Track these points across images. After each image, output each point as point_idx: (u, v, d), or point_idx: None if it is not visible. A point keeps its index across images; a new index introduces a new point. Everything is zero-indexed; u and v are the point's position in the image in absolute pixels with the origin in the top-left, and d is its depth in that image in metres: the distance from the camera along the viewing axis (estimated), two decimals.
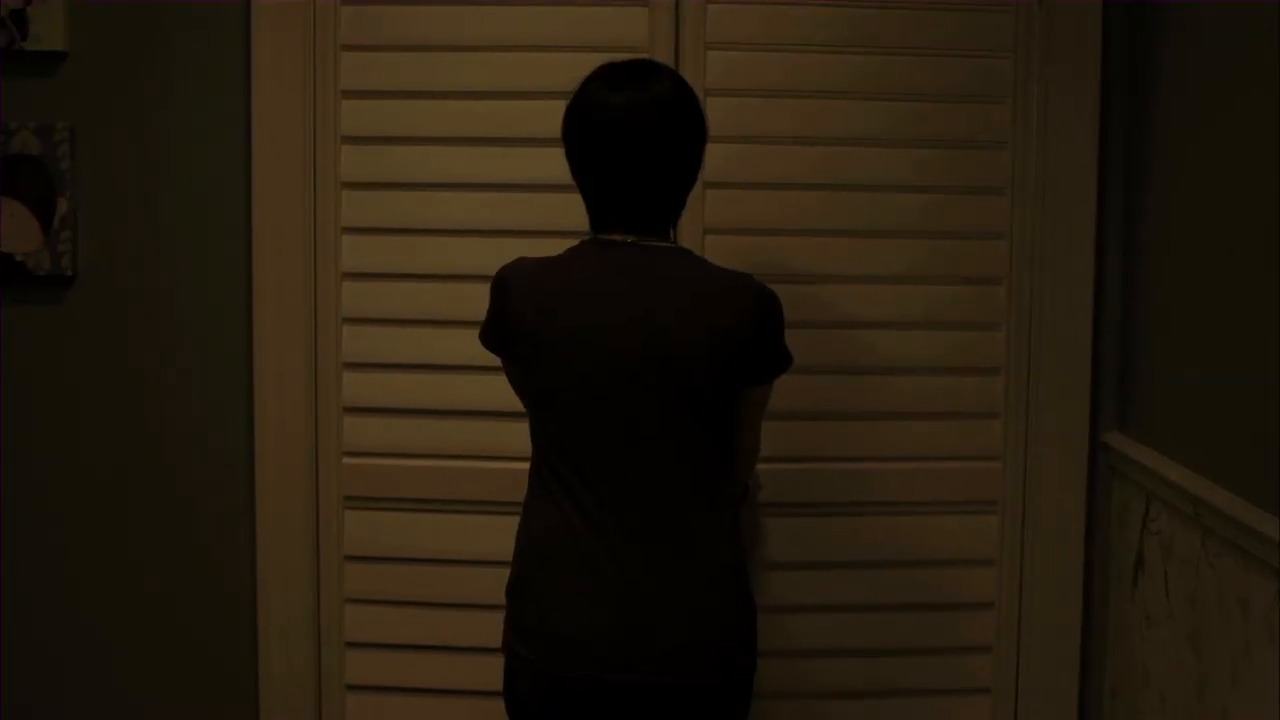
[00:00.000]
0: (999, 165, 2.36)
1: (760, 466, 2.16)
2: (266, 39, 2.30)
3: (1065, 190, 2.34)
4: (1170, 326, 2.21)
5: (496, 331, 1.86)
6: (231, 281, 2.35)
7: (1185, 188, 2.15)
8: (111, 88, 2.34)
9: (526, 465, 1.92)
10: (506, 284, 1.84)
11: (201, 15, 2.32)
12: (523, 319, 1.81)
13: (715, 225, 2.32)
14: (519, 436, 1.94)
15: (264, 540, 2.38)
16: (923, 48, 2.32)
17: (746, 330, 1.80)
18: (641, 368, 1.77)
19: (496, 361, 1.94)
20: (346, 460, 2.38)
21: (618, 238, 1.82)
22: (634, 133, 1.77)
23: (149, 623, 2.42)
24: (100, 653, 2.43)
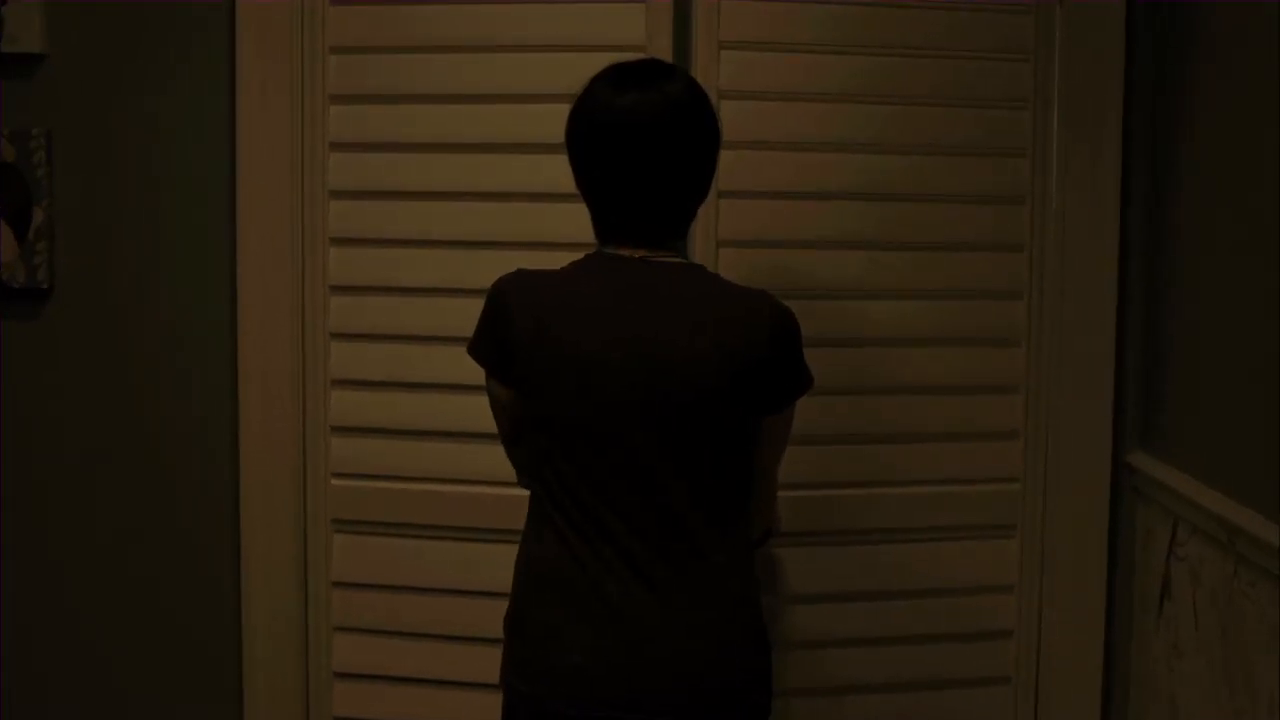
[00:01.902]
0: (1018, 173, 2.28)
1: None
2: (251, 41, 2.23)
3: (1087, 199, 2.26)
4: (1198, 340, 2.13)
5: (491, 349, 1.76)
6: (215, 294, 2.29)
7: (1215, 192, 2.08)
8: (91, 92, 2.28)
9: (522, 491, 1.84)
10: (506, 298, 1.74)
11: (185, 16, 2.26)
12: (523, 338, 1.70)
13: (729, 237, 2.21)
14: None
15: (249, 564, 2.32)
16: (941, 49, 2.23)
17: (762, 350, 1.70)
18: (651, 393, 1.67)
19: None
20: (334, 482, 2.31)
21: (625, 252, 1.72)
22: (644, 136, 1.67)
23: (129, 650, 2.36)
24: (85, 673, 2.37)
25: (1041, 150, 2.26)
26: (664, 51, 2.15)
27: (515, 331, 1.71)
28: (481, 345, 1.78)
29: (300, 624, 2.32)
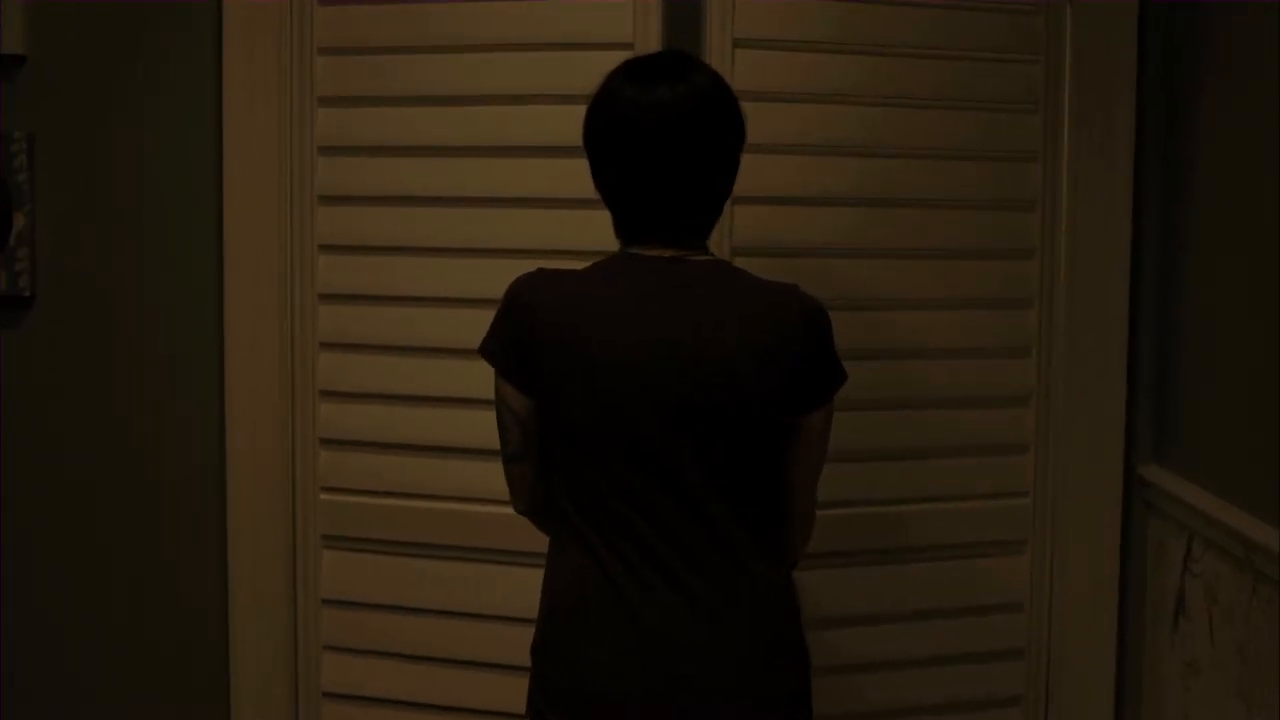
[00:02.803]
0: (1028, 178, 2.22)
1: None
2: (239, 42, 2.18)
3: (1098, 204, 2.21)
4: (1213, 349, 2.09)
5: (510, 352, 1.66)
6: (202, 301, 2.25)
7: (1231, 197, 2.03)
8: (74, 94, 2.24)
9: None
10: (529, 298, 1.64)
11: (170, 17, 2.22)
12: (548, 342, 1.62)
13: (745, 245, 2.13)
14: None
15: (236, 580, 2.26)
16: (948, 49, 2.17)
17: (795, 345, 1.63)
18: (686, 397, 1.60)
19: (490, 395, 1.73)
20: (324, 497, 2.26)
21: (654, 252, 1.65)
22: (678, 131, 1.60)
23: (113, 669, 2.32)
24: (68, 693, 2.32)
25: (1052, 154, 2.21)
26: (653, 47, 2.05)
27: (539, 334, 1.62)
28: (497, 347, 1.68)
29: (289, 643, 2.26)
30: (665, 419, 1.59)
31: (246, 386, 2.22)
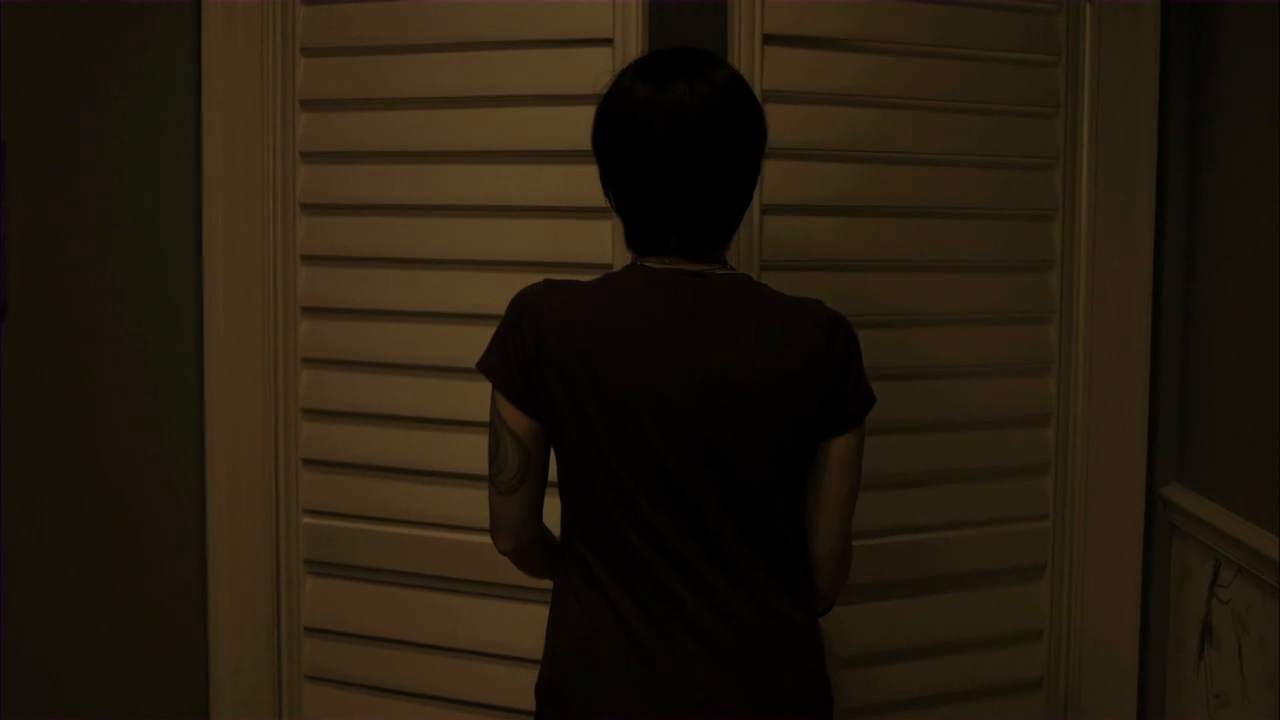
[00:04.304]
0: (1047, 186, 2.13)
1: None
2: (219, 43, 2.10)
3: (1119, 213, 2.12)
4: (1240, 363, 2.00)
5: (514, 370, 1.54)
6: (180, 316, 2.17)
7: (1258, 205, 1.95)
8: (45, 99, 2.15)
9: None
10: (536, 313, 1.52)
11: (147, 16, 2.14)
12: (558, 360, 1.50)
13: (774, 258, 2.00)
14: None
15: (216, 606, 2.18)
16: (969, 50, 2.07)
17: (821, 363, 1.52)
18: (704, 425, 1.49)
19: (484, 417, 1.61)
20: (306, 520, 2.17)
21: (669, 265, 1.54)
22: (699, 133, 1.49)
23: (89, 700, 2.23)
24: None
25: (1071, 160, 2.12)
26: (634, 43, 1.94)
27: (547, 352, 1.51)
28: (500, 364, 1.55)
29: (271, 671, 2.18)
30: (682, 446, 1.49)
31: (226, 402, 2.14)
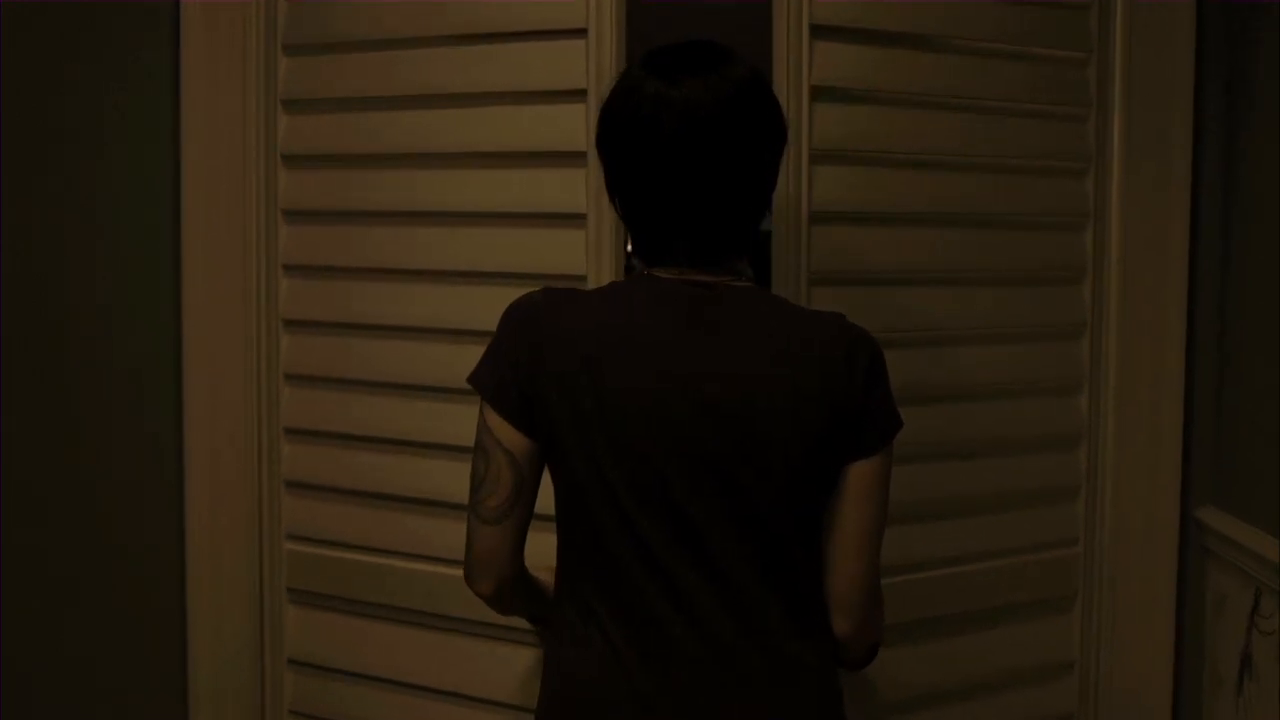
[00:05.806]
0: (1079, 193, 2.03)
1: None
2: (198, 42, 2.02)
3: (1153, 218, 2.02)
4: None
5: (508, 386, 1.43)
6: (159, 325, 2.10)
7: None
8: (19, 99, 2.07)
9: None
10: (535, 325, 1.42)
11: (123, 15, 2.08)
12: (554, 379, 1.40)
13: (823, 271, 1.86)
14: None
15: (195, 635, 2.09)
16: (1007, 48, 1.97)
17: (843, 381, 1.41)
18: (715, 449, 1.39)
19: (471, 439, 1.51)
20: (289, 546, 2.08)
21: (679, 275, 1.44)
22: (712, 132, 1.38)
23: None
24: None
25: (1102, 164, 2.02)
26: (607, 33, 1.80)
27: (546, 366, 1.41)
28: (492, 378, 1.44)
29: (255, 705, 2.09)
30: (690, 473, 1.39)
31: (206, 417, 2.05)
